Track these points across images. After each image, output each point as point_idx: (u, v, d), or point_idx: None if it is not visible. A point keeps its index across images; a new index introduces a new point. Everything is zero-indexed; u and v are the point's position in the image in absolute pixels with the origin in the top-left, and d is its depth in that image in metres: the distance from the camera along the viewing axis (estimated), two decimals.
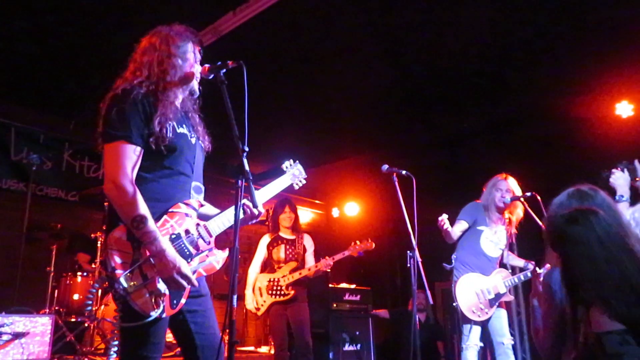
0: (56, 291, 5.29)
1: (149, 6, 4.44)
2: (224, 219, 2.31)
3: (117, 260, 1.97)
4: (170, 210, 2.16)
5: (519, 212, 4.60)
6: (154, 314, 1.97)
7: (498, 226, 4.60)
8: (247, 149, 2.12)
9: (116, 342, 2.13)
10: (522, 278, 4.48)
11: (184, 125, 2.29)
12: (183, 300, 2.09)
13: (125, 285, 1.95)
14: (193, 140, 2.33)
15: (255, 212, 2.30)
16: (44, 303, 5.12)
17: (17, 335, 4.03)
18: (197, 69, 2.35)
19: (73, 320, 5.19)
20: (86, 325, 5.09)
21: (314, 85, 5.89)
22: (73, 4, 4.45)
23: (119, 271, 1.96)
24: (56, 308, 5.16)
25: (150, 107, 2.15)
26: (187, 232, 2.17)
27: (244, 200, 2.26)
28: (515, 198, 4.49)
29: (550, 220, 2.10)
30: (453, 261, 4.55)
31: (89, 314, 4.93)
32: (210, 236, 2.26)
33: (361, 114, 6.59)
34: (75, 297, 5.31)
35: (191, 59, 2.33)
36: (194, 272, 2.13)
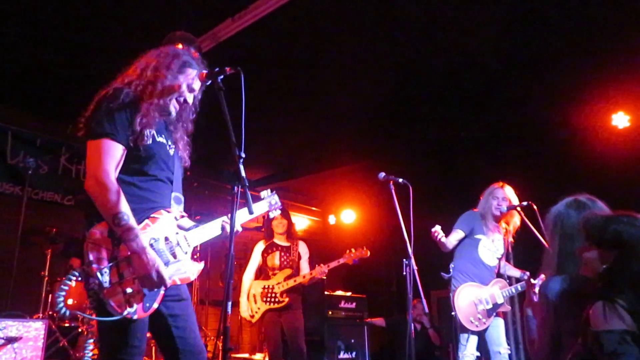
0: (50, 296, 5.25)
1: (149, 12, 4.45)
2: (204, 233, 2.36)
3: (95, 255, 1.98)
4: (152, 215, 2.17)
5: (515, 221, 4.60)
6: (125, 313, 1.96)
7: (495, 235, 4.60)
8: (243, 155, 2.13)
9: (91, 341, 2.14)
10: (520, 289, 4.46)
11: (162, 135, 2.32)
12: (155, 305, 2.08)
13: (100, 280, 1.93)
14: (171, 152, 2.36)
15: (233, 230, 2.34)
16: (38, 307, 5.09)
17: (9, 340, 4.00)
18: (189, 97, 2.37)
19: (66, 325, 5.15)
20: (79, 330, 5.06)
21: (311, 92, 5.90)
22: (71, 9, 4.45)
23: (95, 266, 1.96)
24: (50, 313, 5.13)
25: (136, 109, 2.18)
26: (166, 239, 2.18)
27: (223, 218, 2.36)
28: (511, 207, 4.48)
29: (601, 221, 2.17)
30: (451, 270, 4.55)
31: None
32: (189, 246, 2.28)
33: (359, 121, 6.60)
34: (70, 302, 5.28)
35: (187, 82, 2.34)
36: (170, 278, 2.12)
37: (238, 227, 2.33)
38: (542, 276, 2.91)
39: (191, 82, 2.35)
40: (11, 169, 6.11)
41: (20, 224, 5.24)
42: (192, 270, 2.26)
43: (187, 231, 2.31)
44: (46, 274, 5.24)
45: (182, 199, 2.39)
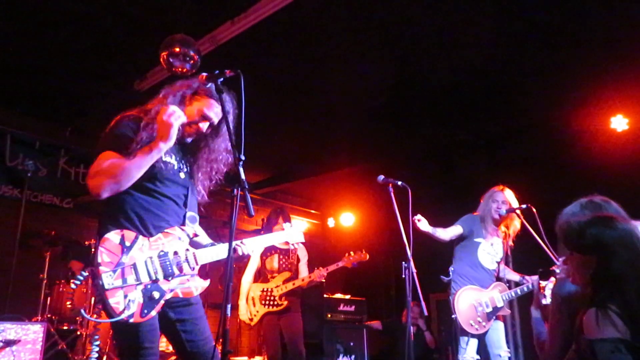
0: (49, 299, 5.24)
1: (149, 14, 4.45)
2: (213, 253, 2.44)
3: (105, 258, 2.10)
4: (165, 230, 2.30)
5: (515, 224, 4.59)
6: (122, 316, 2.07)
7: (494, 238, 4.60)
8: (243, 157, 2.13)
9: (97, 343, 2.28)
10: (519, 292, 4.43)
11: (172, 157, 2.40)
12: (153, 313, 2.16)
13: (104, 281, 2.06)
14: (182, 174, 2.45)
15: (245, 252, 2.52)
16: (36, 310, 5.08)
17: (8, 343, 3.99)
18: (203, 125, 2.45)
19: (65, 328, 5.14)
20: (78, 333, 5.05)
21: (310, 95, 5.90)
22: (71, 11, 4.45)
23: (103, 268, 2.09)
24: (48, 316, 5.11)
25: (138, 127, 2.30)
26: (175, 253, 2.29)
27: (238, 242, 2.49)
28: (511, 210, 4.49)
29: (577, 226, 2.12)
30: (450, 273, 4.55)
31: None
32: (197, 263, 2.38)
33: (358, 124, 6.61)
34: (68, 304, 5.27)
35: (196, 108, 2.43)
36: (171, 291, 2.23)
37: (249, 251, 2.54)
38: (552, 279, 2.90)
39: (201, 109, 2.42)
40: (10, 172, 6.10)
41: (19, 226, 5.23)
42: (196, 285, 2.36)
43: (199, 249, 2.40)
44: (45, 276, 5.22)
45: (197, 218, 2.51)
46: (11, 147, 6.15)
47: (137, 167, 2.17)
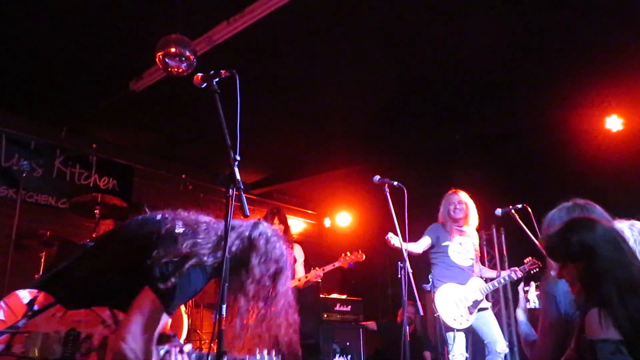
0: None
1: (144, 15, 4.45)
2: None
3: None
4: None
5: (473, 220, 4.80)
6: None
7: (462, 237, 4.79)
8: (238, 158, 2.13)
9: None
10: (497, 284, 4.69)
11: None
12: None
13: None
14: None
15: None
16: None
17: None
18: None
19: None
20: None
21: (307, 95, 5.90)
22: (66, 12, 4.44)
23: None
24: None
25: None
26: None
27: None
28: (505, 210, 4.55)
29: (559, 237, 2.12)
30: (430, 280, 4.68)
31: None
32: None
33: (354, 124, 6.61)
34: None
35: None
36: None
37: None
38: (533, 283, 2.92)
39: None
40: (5, 172, 6.08)
41: (14, 227, 5.20)
42: None
43: None
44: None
45: None
46: (6, 147, 6.13)
47: None
